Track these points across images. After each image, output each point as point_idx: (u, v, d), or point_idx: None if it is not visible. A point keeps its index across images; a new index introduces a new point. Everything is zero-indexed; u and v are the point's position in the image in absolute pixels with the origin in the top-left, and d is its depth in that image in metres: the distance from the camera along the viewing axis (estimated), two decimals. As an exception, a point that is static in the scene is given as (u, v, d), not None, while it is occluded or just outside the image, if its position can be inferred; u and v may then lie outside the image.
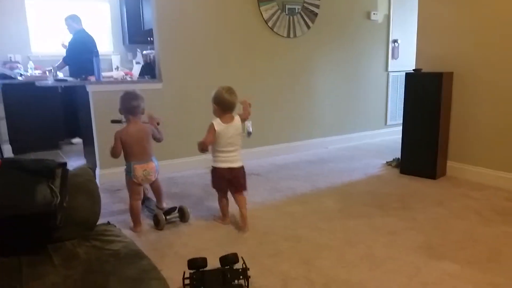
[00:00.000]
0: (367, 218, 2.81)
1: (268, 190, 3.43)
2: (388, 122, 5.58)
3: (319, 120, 4.98)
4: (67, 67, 5.24)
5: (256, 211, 2.97)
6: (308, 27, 4.68)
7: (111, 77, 3.85)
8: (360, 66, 5.21)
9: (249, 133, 4.44)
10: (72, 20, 5.14)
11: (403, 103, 3.80)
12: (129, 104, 2.65)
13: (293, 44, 4.63)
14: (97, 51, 3.66)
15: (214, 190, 2.81)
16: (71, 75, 4.88)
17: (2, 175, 1.46)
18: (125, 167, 2.70)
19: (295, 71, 4.70)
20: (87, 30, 5.27)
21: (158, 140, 2.82)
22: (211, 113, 4.11)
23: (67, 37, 5.26)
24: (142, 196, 2.82)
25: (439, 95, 3.57)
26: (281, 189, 3.45)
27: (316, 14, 4.71)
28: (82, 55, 5.06)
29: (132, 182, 2.68)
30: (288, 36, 4.57)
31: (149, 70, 3.90)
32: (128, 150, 2.65)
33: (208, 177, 2.83)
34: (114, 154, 2.67)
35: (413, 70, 3.80)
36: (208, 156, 4.20)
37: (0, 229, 1.38)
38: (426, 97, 3.64)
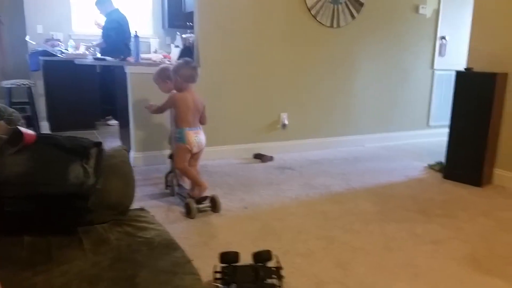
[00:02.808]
0: (407, 223, 2.66)
1: (302, 186, 3.32)
2: (431, 123, 5.32)
3: (356, 117, 4.80)
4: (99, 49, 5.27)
5: (289, 207, 2.87)
6: (353, 17, 4.49)
7: (150, 59, 3.81)
8: (404, 62, 4.98)
9: (284, 125, 4.34)
10: (101, 4, 5.20)
11: (450, 104, 3.58)
12: (190, 72, 2.75)
13: (335, 34, 4.46)
14: (136, 33, 3.62)
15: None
16: (103, 55, 4.91)
17: (36, 151, 1.41)
18: (177, 135, 2.77)
19: (335, 63, 4.53)
20: (121, 10, 5.30)
21: (203, 121, 2.90)
22: (249, 101, 4.08)
23: (100, 16, 5.31)
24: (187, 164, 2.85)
25: (491, 97, 3.34)
26: (315, 186, 3.33)
27: (362, 4, 4.52)
28: (115, 36, 5.09)
29: (183, 149, 2.75)
30: (331, 25, 4.39)
31: (187, 54, 3.84)
32: (182, 115, 2.73)
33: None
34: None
35: (464, 69, 3.57)
36: (242, 146, 4.17)
37: (31, 207, 1.34)
38: (477, 98, 3.41)
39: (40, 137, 1.47)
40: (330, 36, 4.43)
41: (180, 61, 2.84)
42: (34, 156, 1.39)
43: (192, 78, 2.77)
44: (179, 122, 2.76)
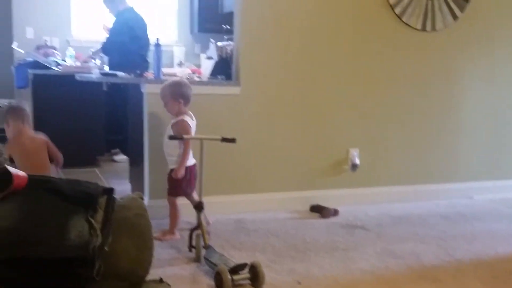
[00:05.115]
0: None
1: (379, 254, 3.27)
2: None
3: (462, 156, 4.74)
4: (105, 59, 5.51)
5: (361, 285, 2.83)
6: (455, 17, 4.51)
7: (174, 75, 3.95)
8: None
9: (354, 166, 4.33)
10: (110, 1, 5.43)
11: None
12: (17, 113, 3.04)
13: (430, 40, 4.48)
14: (158, 40, 3.78)
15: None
16: (111, 69, 5.10)
17: (27, 199, 1.49)
18: None
19: (429, 82, 4.53)
20: (136, 10, 5.54)
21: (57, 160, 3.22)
22: (305, 132, 4.12)
23: (110, 17, 5.55)
24: None
25: None
26: (398, 255, 3.27)
27: (467, 0, 4.53)
28: (126, 43, 5.29)
29: None
30: (424, 29, 4.43)
31: (224, 68, 3.97)
32: (21, 168, 2.82)
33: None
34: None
35: None
36: (294, 194, 4.17)
37: (14, 274, 1.40)
38: None
39: (33, 180, 1.55)
40: (422, 44, 4.46)
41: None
42: (25, 205, 1.46)
43: (20, 118, 3.00)
44: None
